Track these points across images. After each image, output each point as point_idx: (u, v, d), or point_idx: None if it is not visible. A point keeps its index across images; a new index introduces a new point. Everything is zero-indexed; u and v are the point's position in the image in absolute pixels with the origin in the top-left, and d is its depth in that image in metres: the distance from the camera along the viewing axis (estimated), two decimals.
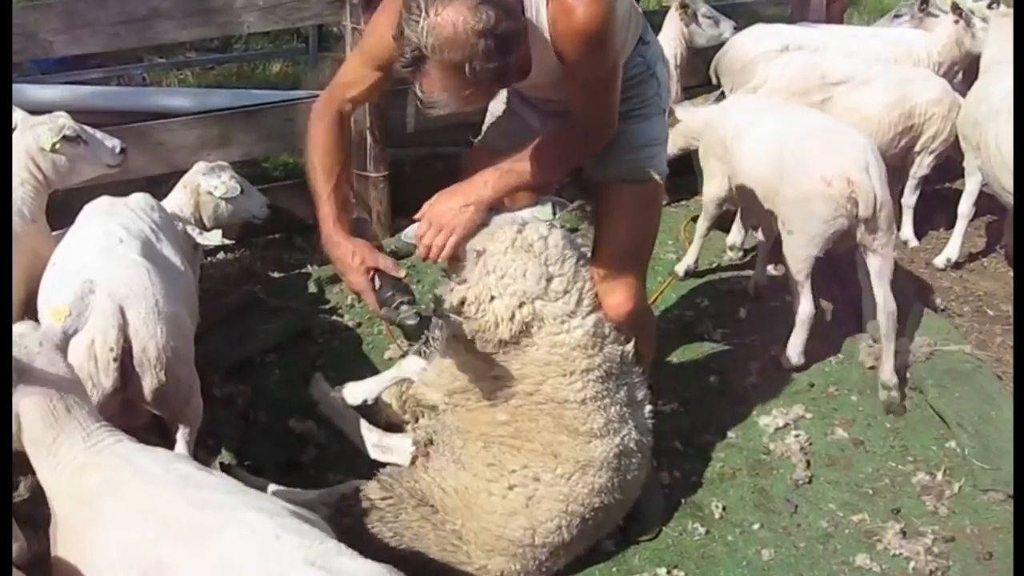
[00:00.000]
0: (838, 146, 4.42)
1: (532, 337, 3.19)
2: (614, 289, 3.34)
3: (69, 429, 2.52)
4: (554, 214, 3.24)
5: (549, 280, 3.19)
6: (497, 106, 3.57)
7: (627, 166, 3.33)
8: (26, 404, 2.51)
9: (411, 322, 3.08)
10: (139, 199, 3.90)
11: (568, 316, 3.21)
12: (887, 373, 4.42)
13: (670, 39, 6.12)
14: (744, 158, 4.77)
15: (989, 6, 5.86)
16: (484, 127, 3.67)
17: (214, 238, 4.17)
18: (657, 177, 3.40)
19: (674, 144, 5.49)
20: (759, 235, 5.30)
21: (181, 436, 3.36)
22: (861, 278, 4.62)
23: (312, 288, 5.22)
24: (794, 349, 4.60)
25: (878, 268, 4.44)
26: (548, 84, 3.07)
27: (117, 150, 4.11)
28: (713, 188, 5.14)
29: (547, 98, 3.28)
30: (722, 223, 5.87)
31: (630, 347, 3.38)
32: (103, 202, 3.79)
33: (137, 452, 2.55)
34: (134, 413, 3.24)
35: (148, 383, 3.15)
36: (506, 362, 3.21)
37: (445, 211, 3.10)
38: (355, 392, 3.77)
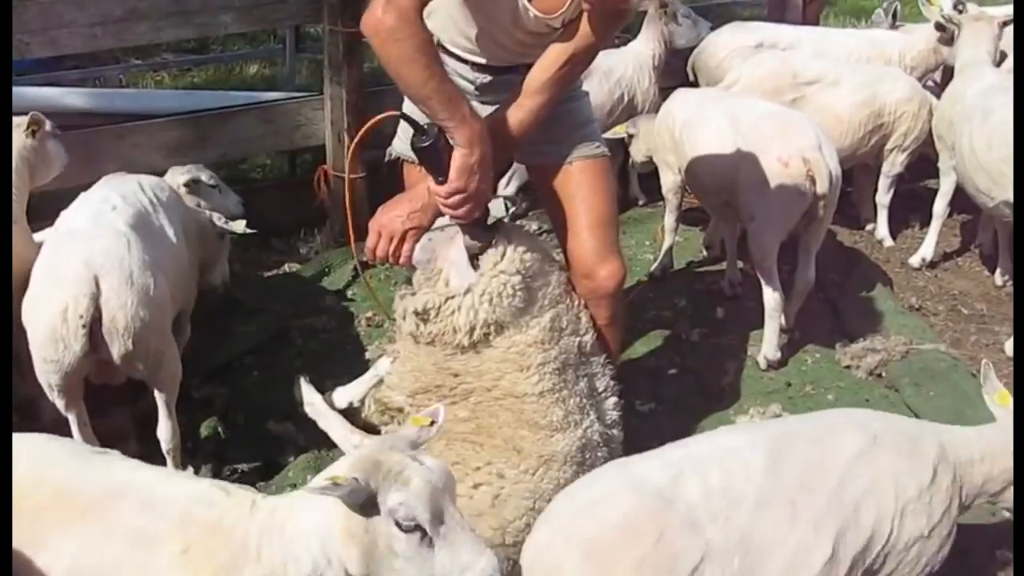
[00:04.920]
0: (789, 128, 4.51)
1: (490, 342, 3.24)
2: (604, 260, 3.42)
3: None
4: (506, 211, 3.28)
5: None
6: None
7: (581, 141, 3.45)
8: None
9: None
10: (153, 179, 4.10)
11: (526, 322, 3.25)
12: (773, 335, 4.60)
13: (650, 39, 6.13)
14: (698, 151, 4.81)
15: (955, 7, 5.90)
16: (395, 143, 3.66)
17: (238, 227, 4.41)
18: (606, 149, 3.57)
19: (639, 152, 5.60)
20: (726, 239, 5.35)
21: (160, 399, 3.55)
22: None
23: (290, 290, 5.21)
24: (769, 342, 4.63)
25: (812, 238, 4.61)
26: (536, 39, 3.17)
27: None
28: (668, 179, 5.24)
29: (520, 54, 3.28)
30: (698, 222, 5.91)
31: (588, 338, 3.42)
32: (117, 175, 3.99)
33: None
34: (111, 374, 3.47)
35: (116, 349, 3.32)
36: (464, 361, 3.26)
37: (392, 219, 3.15)
38: (342, 396, 3.79)
